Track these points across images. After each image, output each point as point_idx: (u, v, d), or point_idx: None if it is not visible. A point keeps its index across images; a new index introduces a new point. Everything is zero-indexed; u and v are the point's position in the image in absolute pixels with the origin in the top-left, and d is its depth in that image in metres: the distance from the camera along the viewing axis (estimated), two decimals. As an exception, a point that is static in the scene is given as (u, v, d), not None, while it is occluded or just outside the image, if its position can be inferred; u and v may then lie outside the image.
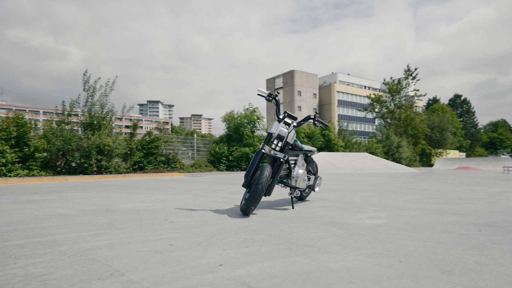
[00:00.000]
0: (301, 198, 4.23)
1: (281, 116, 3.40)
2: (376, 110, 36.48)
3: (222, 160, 15.20)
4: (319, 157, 15.34)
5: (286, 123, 3.39)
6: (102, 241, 2.03)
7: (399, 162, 25.31)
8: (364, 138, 31.88)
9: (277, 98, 3.43)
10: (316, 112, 3.80)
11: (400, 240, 2.15)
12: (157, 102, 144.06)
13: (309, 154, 4.07)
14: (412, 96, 34.39)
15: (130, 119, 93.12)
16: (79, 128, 11.72)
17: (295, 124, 3.44)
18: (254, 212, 3.23)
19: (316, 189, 4.31)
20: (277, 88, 67.12)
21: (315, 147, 19.46)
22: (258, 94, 3.47)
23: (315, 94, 67.66)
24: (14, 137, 9.78)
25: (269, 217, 2.95)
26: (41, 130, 11.55)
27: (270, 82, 69.46)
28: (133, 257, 1.72)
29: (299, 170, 3.70)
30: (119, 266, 1.59)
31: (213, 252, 1.82)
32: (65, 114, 11.53)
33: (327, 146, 20.51)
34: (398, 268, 1.59)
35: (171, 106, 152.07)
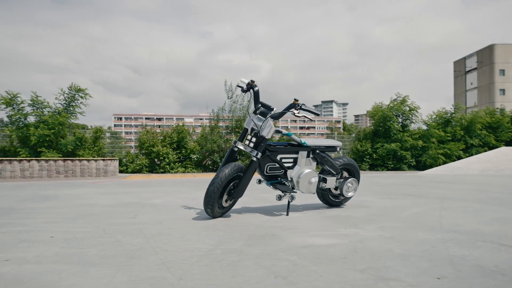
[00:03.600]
0: (330, 204, 3.48)
1: (260, 109, 2.96)
2: None
3: (365, 159, 13.94)
4: (499, 154, 11.75)
5: (263, 115, 2.90)
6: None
7: None
8: None
9: (255, 88, 2.98)
10: (295, 99, 2.99)
11: None
12: (331, 101, 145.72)
13: (318, 151, 3.24)
14: None
15: (304, 120, 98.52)
16: (224, 132, 13.36)
17: (272, 115, 2.91)
18: (229, 214, 2.86)
19: (349, 194, 3.40)
20: (469, 70, 55.32)
21: (503, 140, 15.07)
22: (237, 86, 3.09)
23: (526, 72, 51.78)
24: (175, 141, 12.18)
25: (235, 222, 2.54)
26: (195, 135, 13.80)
27: (459, 64, 58.04)
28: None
29: (300, 170, 3.07)
30: None
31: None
32: (215, 120, 13.41)
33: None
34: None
35: (345, 104, 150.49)
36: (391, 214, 3.04)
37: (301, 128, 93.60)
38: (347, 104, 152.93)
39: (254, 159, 2.85)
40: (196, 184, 6.31)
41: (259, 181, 3.24)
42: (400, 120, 14.57)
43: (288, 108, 2.98)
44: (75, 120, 11.29)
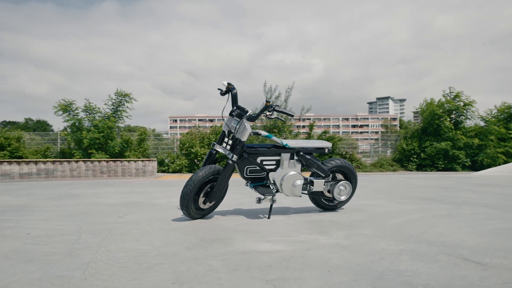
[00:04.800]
0: (323, 207, 3.34)
1: (236, 111, 2.97)
2: None
3: (411, 158, 13.03)
4: None
5: (240, 117, 2.89)
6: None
7: None
8: None
9: (233, 90, 2.97)
10: (267, 101, 2.88)
11: None
12: (387, 98, 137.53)
13: (301, 153, 3.09)
14: None
15: (357, 119, 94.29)
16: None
17: (248, 116, 2.89)
18: (212, 215, 2.86)
19: (342, 197, 3.22)
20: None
21: None
22: (218, 89, 3.07)
23: None
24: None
25: (205, 224, 2.54)
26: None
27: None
28: None
29: (283, 172, 3.01)
30: None
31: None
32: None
33: None
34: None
35: (402, 100, 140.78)
36: (379, 220, 2.82)
37: (354, 126, 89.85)
38: (404, 100, 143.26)
39: (230, 161, 2.85)
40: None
41: (247, 183, 3.22)
42: (453, 116, 13.36)
43: (262, 110, 2.93)
44: (122, 124, 12.17)
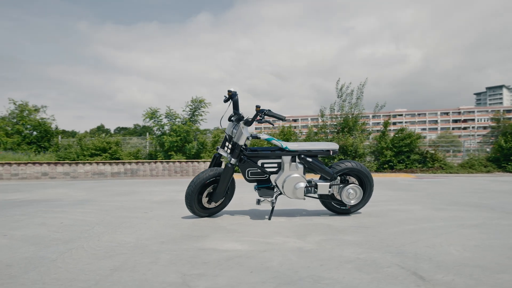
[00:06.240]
0: (335, 211, 3.25)
1: (235, 116, 3.10)
2: None
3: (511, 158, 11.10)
4: None
5: (238, 123, 3.07)
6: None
7: None
8: None
9: (233, 97, 3.09)
10: (257, 106, 2.86)
11: None
12: (500, 87, 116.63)
13: (302, 156, 3.05)
14: None
15: (459, 112, 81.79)
16: (328, 131, 13.06)
17: (245, 121, 3.02)
18: (221, 213, 3.04)
19: (352, 201, 3.05)
20: None
21: None
22: (225, 96, 3.21)
23: None
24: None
25: (199, 221, 2.73)
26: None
27: None
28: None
29: (285, 175, 3.05)
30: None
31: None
32: (323, 120, 13.31)
33: None
34: None
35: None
36: (379, 228, 2.65)
37: (455, 121, 78.48)
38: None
39: (229, 164, 3.02)
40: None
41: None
42: None
43: (255, 115, 3.02)
44: (196, 127, 13.26)
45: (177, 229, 2.64)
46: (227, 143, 3.11)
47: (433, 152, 11.91)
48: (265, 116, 3.02)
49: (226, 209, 3.63)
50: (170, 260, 1.83)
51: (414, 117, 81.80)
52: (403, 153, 12.13)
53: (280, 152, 3.11)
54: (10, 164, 9.54)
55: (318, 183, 3.09)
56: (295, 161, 3.11)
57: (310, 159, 3.11)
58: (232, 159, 3.02)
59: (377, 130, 13.66)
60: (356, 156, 11.84)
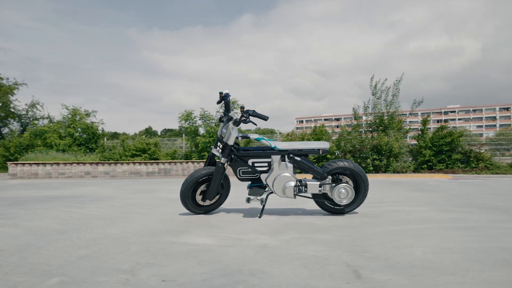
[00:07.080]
0: (329, 211, 3.23)
1: (225, 117, 3.20)
2: None
3: None
4: None
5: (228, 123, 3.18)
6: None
7: None
8: None
9: (227, 98, 3.19)
10: (241, 107, 2.92)
11: None
12: None
13: (291, 155, 3.07)
14: None
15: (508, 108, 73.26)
16: (362, 130, 12.66)
17: (233, 121, 3.12)
18: (218, 211, 3.15)
19: (344, 201, 3.00)
20: None
21: None
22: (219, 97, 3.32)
23: None
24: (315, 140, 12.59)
25: (187, 218, 2.87)
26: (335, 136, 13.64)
27: None
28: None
29: (275, 174, 3.11)
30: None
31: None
32: (357, 118, 12.96)
33: None
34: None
35: None
36: (364, 228, 2.62)
37: (487, 118, 70.31)
38: None
39: (220, 164, 3.14)
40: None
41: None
42: None
43: (241, 116, 3.10)
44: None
45: (165, 224, 2.82)
46: (219, 143, 3.24)
47: (478, 151, 11.07)
48: (250, 117, 3.10)
49: (225, 206, 3.76)
50: (136, 251, 1.99)
51: (469, 114, 75.72)
52: (444, 152, 11.41)
53: (270, 151, 3.17)
54: (58, 164, 10.54)
55: (308, 183, 3.10)
56: (284, 160, 3.15)
57: (298, 158, 3.12)
58: (223, 158, 3.14)
59: (414, 129, 12.98)
60: (390, 156, 11.36)
